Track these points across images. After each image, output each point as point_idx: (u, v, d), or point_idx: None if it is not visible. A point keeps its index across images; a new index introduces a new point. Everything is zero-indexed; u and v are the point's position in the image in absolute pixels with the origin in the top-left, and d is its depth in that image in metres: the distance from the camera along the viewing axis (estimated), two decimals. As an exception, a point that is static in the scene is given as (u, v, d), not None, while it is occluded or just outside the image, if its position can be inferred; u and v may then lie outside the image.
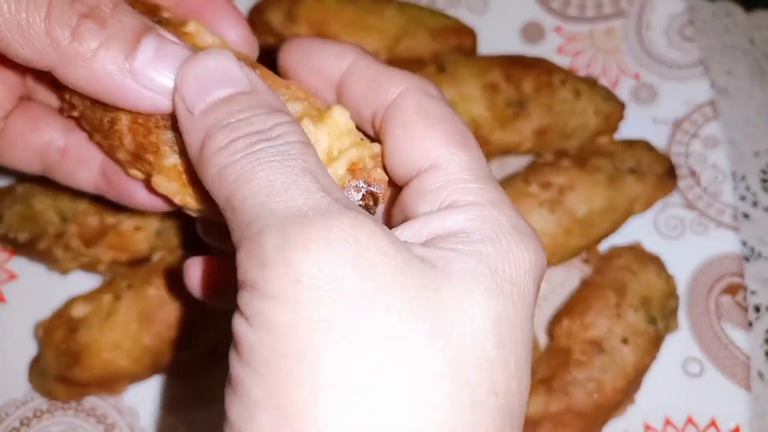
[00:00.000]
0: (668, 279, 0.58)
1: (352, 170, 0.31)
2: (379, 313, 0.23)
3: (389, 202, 0.33)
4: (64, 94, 0.34)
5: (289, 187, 0.25)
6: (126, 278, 0.53)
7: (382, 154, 0.32)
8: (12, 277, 0.60)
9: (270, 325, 0.23)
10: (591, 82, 0.64)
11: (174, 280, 0.52)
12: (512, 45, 0.71)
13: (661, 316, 0.56)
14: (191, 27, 0.34)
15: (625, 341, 0.54)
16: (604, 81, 0.70)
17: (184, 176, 0.32)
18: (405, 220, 0.30)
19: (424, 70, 0.62)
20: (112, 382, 0.53)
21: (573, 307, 0.56)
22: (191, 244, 0.56)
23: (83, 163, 0.38)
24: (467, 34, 0.66)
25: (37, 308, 0.58)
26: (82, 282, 0.59)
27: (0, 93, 0.36)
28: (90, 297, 0.53)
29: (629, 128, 0.67)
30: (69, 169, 0.38)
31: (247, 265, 0.24)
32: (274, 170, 0.25)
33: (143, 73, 0.30)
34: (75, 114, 0.35)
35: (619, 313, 0.54)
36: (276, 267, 0.23)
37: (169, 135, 0.32)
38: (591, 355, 0.53)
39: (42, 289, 0.59)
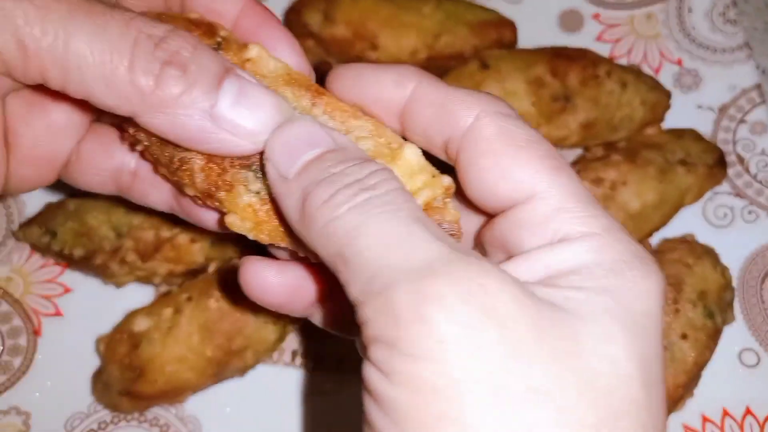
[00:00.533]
0: (723, 271, 0.57)
1: (426, 209, 0.31)
2: (524, 370, 0.23)
3: (476, 232, 0.33)
4: (128, 129, 0.34)
5: (405, 238, 0.25)
6: (185, 291, 0.53)
7: (460, 182, 0.32)
8: (66, 290, 0.60)
9: (416, 385, 0.23)
10: (636, 72, 0.63)
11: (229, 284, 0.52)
12: (550, 34, 0.70)
13: (718, 309, 0.56)
14: (253, 52, 0.34)
15: (684, 337, 0.54)
16: (645, 68, 0.69)
17: (259, 215, 0.32)
18: (504, 252, 0.30)
19: (466, 67, 0.61)
20: (175, 394, 0.54)
21: (629, 303, 0.56)
22: (246, 254, 0.56)
23: (154, 185, 0.38)
24: (507, 27, 0.65)
25: (94, 321, 0.58)
26: (137, 293, 0.59)
27: (74, 119, 0.36)
28: (150, 310, 0.53)
29: (673, 116, 0.65)
30: (141, 190, 0.38)
31: (379, 322, 0.24)
32: (385, 222, 0.25)
33: (225, 118, 0.30)
34: (139, 148, 0.35)
35: (677, 308, 0.54)
36: (415, 326, 0.23)
37: (243, 174, 0.32)
38: (650, 352, 0.53)
39: (97, 302, 0.60)
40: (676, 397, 0.53)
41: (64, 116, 0.35)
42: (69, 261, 0.57)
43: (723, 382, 0.58)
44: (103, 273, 0.56)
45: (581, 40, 0.69)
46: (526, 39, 0.67)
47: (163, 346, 0.52)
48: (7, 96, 0.33)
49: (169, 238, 0.54)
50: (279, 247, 0.34)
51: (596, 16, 0.71)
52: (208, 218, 0.38)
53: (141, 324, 0.52)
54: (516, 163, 0.29)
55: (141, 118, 0.30)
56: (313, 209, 0.27)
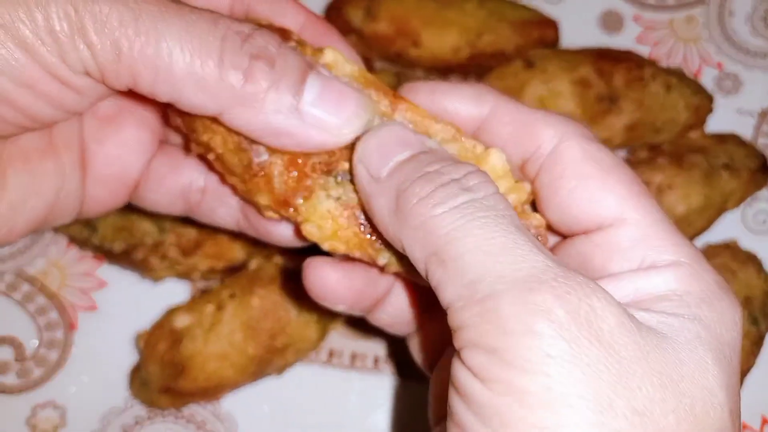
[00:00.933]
0: (767, 278, 0.57)
1: None
2: (630, 392, 0.23)
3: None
4: (201, 137, 0.34)
5: (510, 247, 0.25)
6: (227, 287, 0.53)
7: (537, 201, 0.31)
8: (102, 284, 0.60)
9: (519, 395, 0.23)
10: (680, 75, 0.63)
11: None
12: (591, 35, 0.69)
13: (762, 315, 0.55)
14: (329, 56, 0.33)
15: (729, 343, 0.53)
16: (685, 72, 0.68)
17: (339, 221, 0.32)
18: (583, 271, 0.30)
19: (510, 66, 0.60)
20: (214, 391, 0.53)
21: (673, 308, 0.55)
22: (286, 250, 0.56)
23: (222, 201, 0.38)
24: (550, 26, 0.65)
25: (130, 315, 0.58)
26: (173, 288, 0.59)
27: (144, 137, 0.36)
28: (191, 307, 0.53)
29: (713, 120, 0.65)
30: (209, 207, 0.38)
31: (480, 329, 0.24)
32: (488, 228, 0.25)
33: (310, 112, 0.30)
34: (210, 157, 0.34)
35: (722, 314, 0.54)
36: (523, 338, 0.23)
37: (324, 179, 0.32)
38: (695, 358, 0.52)
39: (133, 296, 0.59)
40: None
41: (134, 135, 0.36)
42: (108, 255, 0.56)
43: (763, 389, 0.58)
44: (142, 267, 0.55)
45: (621, 41, 0.69)
46: (567, 39, 0.66)
47: (205, 343, 0.51)
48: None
49: (211, 234, 0.54)
50: (354, 258, 0.33)
51: (637, 18, 0.70)
52: (278, 231, 0.37)
53: (182, 320, 0.52)
54: (603, 188, 0.30)
55: (227, 116, 0.30)
56: (409, 206, 0.27)
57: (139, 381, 0.54)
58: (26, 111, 0.29)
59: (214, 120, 0.31)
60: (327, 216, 0.31)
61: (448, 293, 0.25)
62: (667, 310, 0.26)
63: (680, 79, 0.62)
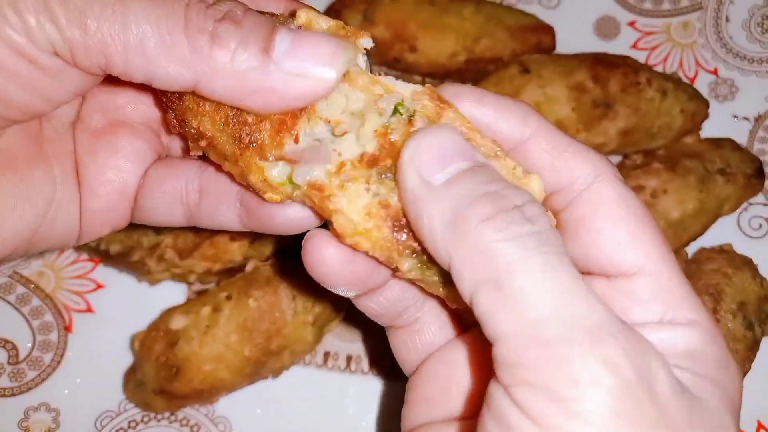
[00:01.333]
0: (762, 282, 0.57)
1: None
2: None
3: None
4: (191, 124, 0.33)
5: (576, 291, 0.25)
6: (224, 289, 0.53)
7: (562, 233, 0.32)
8: (98, 286, 0.60)
9: None
10: (676, 80, 0.63)
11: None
12: (587, 41, 0.70)
13: (757, 320, 0.55)
14: (302, 17, 0.33)
15: (724, 347, 0.53)
16: (681, 77, 0.68)
17: (374, 218, 0.30)
18: None
19: (506, 71, 0.60)
20: (210, 393, 0.53)
21: (668, 312, 0.55)
22: (283, 252, 0.56)
23: (221, 197, 0.37)
24: (546, 31, 0.65)
25: (125, 318, 0.58)
26: (169, 290, 0.59)
27: (139, 147, 0.36)
28: (187, 308, 0.53)
29: (709, 125, 0.65)
30: (210, 208, 0.37)
31: (545, 372, 0.24)
32: (551, 265, 0.25)
33: (285, 63, 0.29)
34: (203, 144, 0.34)
35: (717, 319, 0.54)
36: (591, 391, 0.24)
37: (365, 172, 0.30)
38: (691, 362, 0.52)
39: (129, 299, 0.59)
40: (717, 408, 0.53)
41: (128, 145, 0.36)
42: (104, 257, 0.56)
43: (758, 395, 0.58)
44: (139, 270, 0.55)
45: (617, 47, 0.69)
46: (563, 44, 0.66)
47: (201, 345, 0.51)
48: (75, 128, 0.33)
49: (208, 236, 0.53)
50: (376, 259, 0.32)
51: (632, 24, 0.70)
52: (280, 215, 0.35)
53: (178, 322, 0.52)
54: (634, 235, 0.30)
55: (204, 84, 0.30)
56: (470, 225, 0.26)
57: (134, 383, 0.54)
58: None
59: (199, 100, 0.31)
60: (363, 212, 0.30)
61: (503, 325, 0.25)
62: (690, 368, 0.27)
63: (676, 84, 0.62)
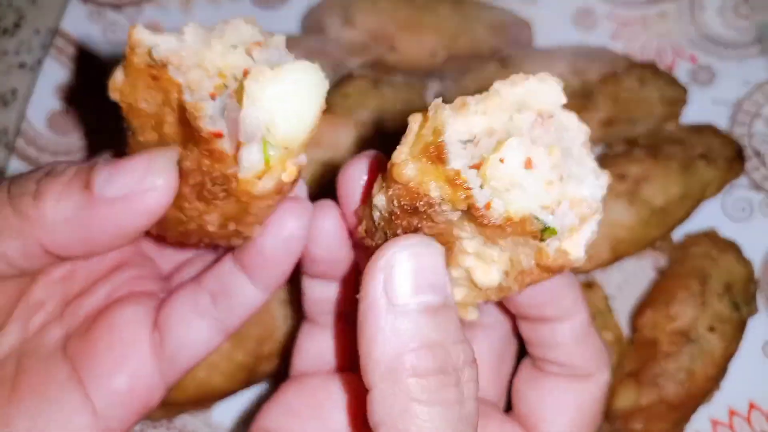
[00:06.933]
0: (747, 263, 0.58)
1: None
2: None
3: None
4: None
5: None
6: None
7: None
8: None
9: None
10: (653, 69, 0.64)
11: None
12: (565, 33, 0.70)
13: (743, 301, 0.56)
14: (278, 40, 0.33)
15: (711, 329, 0.54)
16: (660, 66, 0.69)
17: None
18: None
19: (486, 67, 0.61)
20: (206, 400, 0.53)
21: (656, 297, 0.56)
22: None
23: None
24: (524, 26, 0.66)
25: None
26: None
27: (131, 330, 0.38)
28: (179, 317, 0.53)
29: (689, 111, 0.66)
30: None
31: None
32: None
33: (107, 190, 0.31)
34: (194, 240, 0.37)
35: (703, 301, 0.54)
36: None
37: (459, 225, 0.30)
38: (679, 346, 0.53)
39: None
40: (705, 390, 0.53)
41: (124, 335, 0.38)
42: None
43: (749, 375, 0.58)
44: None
45: (596, 38, 0.70)
46: (543, 38, 0.67)
47: (194, 352, 0.51)
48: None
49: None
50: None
51: (610, 15, 0.71)
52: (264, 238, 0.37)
53: (170, 330, 0.52)
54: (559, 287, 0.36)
55: (50, 247, 0.32)
56: (405, 374, 0.27)
57: (129, 393, 0.54)
58: None
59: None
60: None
61: None
62: None
63: (654, 72, 0.63)
